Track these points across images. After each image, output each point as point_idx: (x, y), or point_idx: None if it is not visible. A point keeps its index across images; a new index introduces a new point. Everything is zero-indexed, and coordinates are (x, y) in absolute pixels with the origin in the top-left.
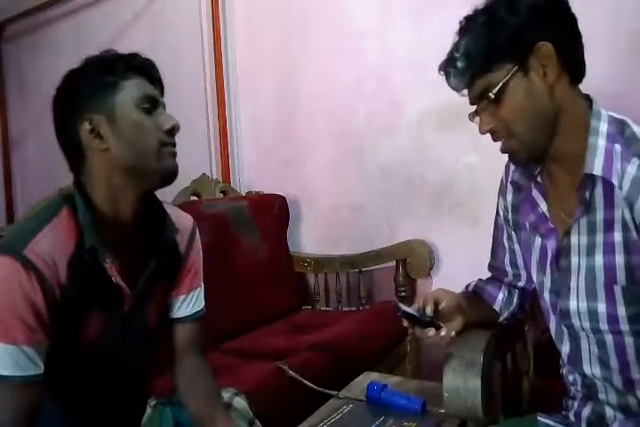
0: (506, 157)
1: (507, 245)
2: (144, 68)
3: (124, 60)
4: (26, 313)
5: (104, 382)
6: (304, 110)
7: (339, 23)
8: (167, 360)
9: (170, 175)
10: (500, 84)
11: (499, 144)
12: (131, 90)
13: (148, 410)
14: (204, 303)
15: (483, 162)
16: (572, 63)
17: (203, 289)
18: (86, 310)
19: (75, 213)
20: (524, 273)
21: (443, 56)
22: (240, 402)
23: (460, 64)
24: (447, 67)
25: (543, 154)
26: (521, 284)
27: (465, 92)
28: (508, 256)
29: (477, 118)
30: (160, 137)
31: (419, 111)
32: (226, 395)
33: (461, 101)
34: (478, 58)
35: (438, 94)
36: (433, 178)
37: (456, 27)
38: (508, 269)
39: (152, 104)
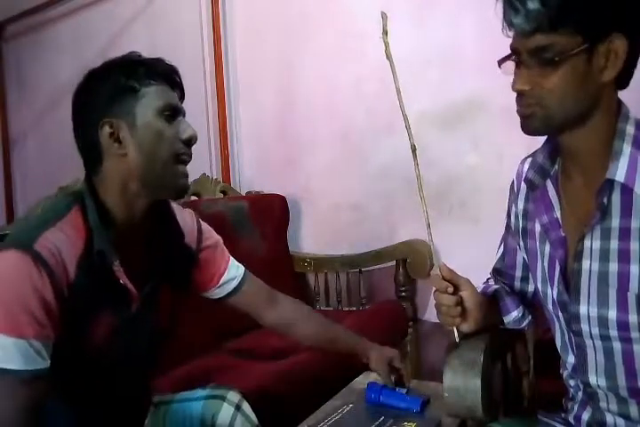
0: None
1: (517, 249)
2: (166, 74)
3: (147, 66)
4: (36, 307)
5: (112, 382)
6: (304, 110)
7: (339, 23)
8: (167, 362)
9: (180, 194)
10: (565, 53)
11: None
12: (152, 97)
13: (151, 409)
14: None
15: (483, 162)
16: (629, 69)
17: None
18: (94, 311)
19: (84, 213)
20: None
21: (443, 56)
22: (247, 407)
23: (531, 5)
24: (517, 1)
25: (557, 131)
26: (531, 288)
27: (510, 33)
28: (518, 258)
29: (513, 74)
30: (177, 147)
31: (419, 111)
32: (236, 397)
33: (461, 101)
34: (554, 9)
35: (438, 94)
36: (433, 178)
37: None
38: (518, 273)
39: (173, 112)
